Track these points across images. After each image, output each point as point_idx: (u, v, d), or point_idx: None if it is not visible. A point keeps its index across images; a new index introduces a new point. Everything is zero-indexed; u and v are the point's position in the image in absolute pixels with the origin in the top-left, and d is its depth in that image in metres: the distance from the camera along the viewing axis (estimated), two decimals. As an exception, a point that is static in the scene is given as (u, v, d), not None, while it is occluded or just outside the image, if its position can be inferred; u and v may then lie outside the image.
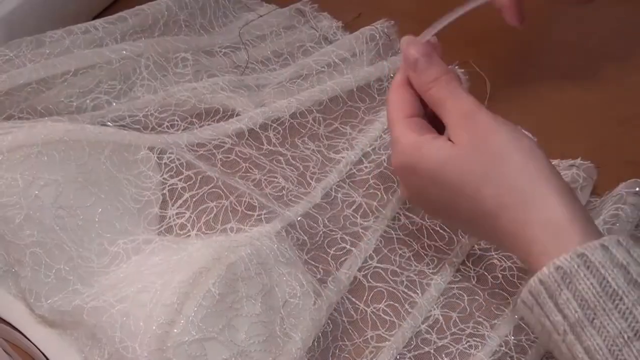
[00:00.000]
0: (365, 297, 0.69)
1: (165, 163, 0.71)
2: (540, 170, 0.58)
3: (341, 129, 0.80)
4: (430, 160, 0.61)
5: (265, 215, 0.69)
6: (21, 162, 0.65)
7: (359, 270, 0.70)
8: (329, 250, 0.71)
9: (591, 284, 0.52)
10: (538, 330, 0.55)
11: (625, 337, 0.50)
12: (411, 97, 0.66)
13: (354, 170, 0.77)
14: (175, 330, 0.59)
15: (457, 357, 0.66)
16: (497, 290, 0.70)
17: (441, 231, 0.73)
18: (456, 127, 0.61)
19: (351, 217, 0.73)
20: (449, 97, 0.62)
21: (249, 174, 0.74)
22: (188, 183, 0.70)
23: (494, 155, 0.59)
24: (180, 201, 0.70)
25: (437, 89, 0.63)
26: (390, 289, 0.70)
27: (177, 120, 0.77)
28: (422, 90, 0.65)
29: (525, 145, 0.59)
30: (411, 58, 0.65)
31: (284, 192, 0.74)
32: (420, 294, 0.69)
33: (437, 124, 0.65)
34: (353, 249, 0.71)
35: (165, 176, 0.70)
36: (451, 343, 0.67)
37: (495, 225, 0.58)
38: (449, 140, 0.61)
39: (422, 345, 0.67)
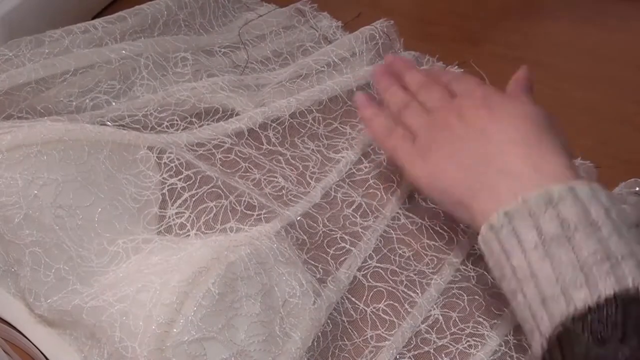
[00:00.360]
0: (364, 297, 0.69)
1: (164, 163, 0.71)
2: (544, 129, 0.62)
3: (341, 128, 0.80)
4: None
5: (265, 215, 0.69)
6: (20, 161, 0.65)
7: (359, 270, 0.70)
8: (328, 249, 0.71)
9: (576, 210, 0.54)
10: (493, 256, 0.57)
11: (598, 257, 0.52)
12: None
13: (354, 170, 0.77)
14: (175, 330, 0.59)
15: (457, 357, 0.66)
16: (496, 290, 0.69)
17: (441, 231, 0.73)
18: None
19: (351, 216, 0.73)
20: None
21: (248, 174, 0.74)
22: (187, 183, 0.70)
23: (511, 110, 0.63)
24: (179, 201, 0.70)
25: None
26: (389, 288, 0.70)
27: (176, 120, 0.77)
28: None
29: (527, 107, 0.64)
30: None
31: (283, 191, 0.74)
32: (420, 294, 0.69)
33: None
34: (353, 248, 0.71)
35: (164, 176, 0.70)
36: (451, 343, 0.67)
37: (500, 167, 0.60)
38: None
39: (421, 345, 0.67)
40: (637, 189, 0.73)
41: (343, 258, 0.71)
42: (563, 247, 0.53)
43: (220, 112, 0.79)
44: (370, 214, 0.74)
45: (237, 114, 0.78)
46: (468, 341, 0.67)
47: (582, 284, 0.52)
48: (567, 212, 0.54)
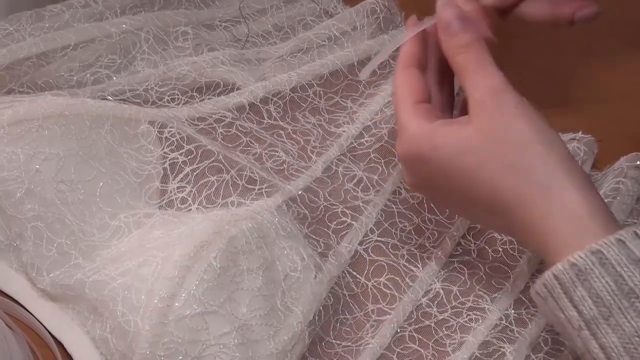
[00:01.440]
0: (366, 271, 0.69)
1: (165, 137, 0.71)
2: (562, 162, 0.56)
3: (342, 102, 0.80)
4: (445, 150, 0.59)
5: (266, 189, 0.69)
6: (22, 136, 0.65)
7: (360, 244, 0.70)
8: (329, 224, 0.71)
9: (606, 282, 0.51)
10: (553, 321, 0.55)
11: None
12: (420, 81, 0.63)
13: (355, 144, 0.77)
14: (177, 304, 0.59)
15: (458, 331, 0.67)
16: (497, 264, 0.70)
17: (442, 205, 0.73)
18: (480, 104, 0.58)
19: (352, 191, 0.73)
20: (478, 68, 0.59)
21: (249, 148, 0.74)
22: (189, 157, 0.70)
23: (516, 145, 0.57)
24: (181, 175, 0.70)
25: (465, 56, 0.60)
26: (390, 262, 0.70)
27: (177, 94, 0.77)
28: (450, 54, 0.61)
29: (548, 136, 0.57)
30: (446, 19, 0.62)
31: (284, 166, 0.74)
32: (420, 268, 0.70)
33: (445, 107, 0.64)
34: (354, 222, 0.71)
35: (165, 150, 0.70)
36: (452, 316, 0.67)
37: (514, 217, 0.57)
38: (466, 120, 0.59)
39: (422, 319, 0.67)
40: (638, 162, 0.73)
41: (344, 232, 0.71)
42: (604, 329, 0.51)
43: (221, 87, 0.78)
44: (371, 188, 0.74)
45: (238, 88, 0.78)
46: (469, 315, 0.67)
47: None
48: (597, 286, 0.51)
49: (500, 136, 0.57)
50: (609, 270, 0.51)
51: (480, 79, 0.59)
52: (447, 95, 0.67)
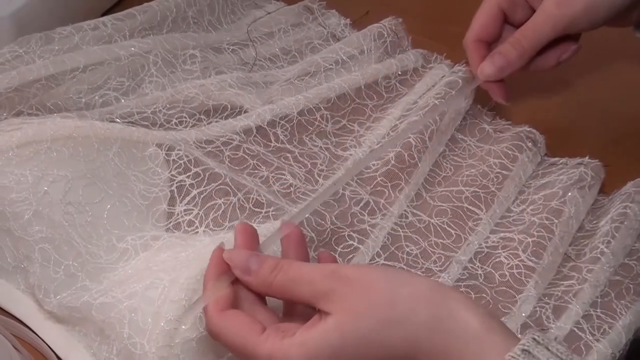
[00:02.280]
0: (372, 295, 0.69)
1: (173, 160, 0.71)
2: (440, 297, 0.53)
3: (349, 126, 0.80)
4: (322, 346, 0.52)
5: (273, 212, 0.69)
6: (30, 158, 0.66)
7: (367, 267, 0.70)
8: (336, 247, 0.71)
9: None
10: None
11: None
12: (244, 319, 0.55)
13: (362, 168, 0.77)
14: (184, 327, 0.59)
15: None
16: (504, 288, 0.70)
17: (448, 229, 0.73)
18: (327, 294, 0.53)
19: (359, 214, 0.73)
20: (302, 274, 0.55)
21: (256, 171, 0.75)
22: (196, 180, 0.70)
23: (378, 300, 0.53)
24: (188, 198, 0.70)
25: (282, 275, 0.55)
26: (397, 286, 0.70)
27: (185, 117, 0.77)
28: (266, 286, 0.56)
29: (404, 280, 0.54)
30: (241, 265, 0.56)
31: (291, 189, 0.74)
32: (427, 292, 0.69)
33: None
34: (360, 246, 0.71)
35: (173, 173, 0.71)
36: (458, 341, 0.67)
37: None
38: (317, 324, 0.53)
39: (429, 343, 0.67)
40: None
41: (351, 256, 0.71)
42: None
43: (229, 110, 0.79)
44: (378, 211, 0.74)
45: (245, 111, 0.79)
46: (475, 339, 0.67)
47: None
48: None
49: (362, 314, 0.53)
50: None
51: (309, 282, 0.54)
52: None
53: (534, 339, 0.51)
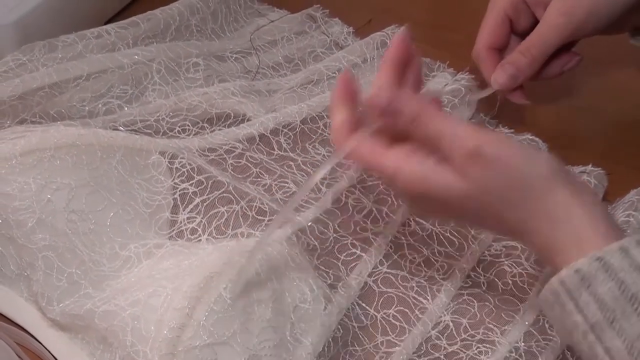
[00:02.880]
0: (375, 303, 0.69)
1: (176, 168, 0.71)
2: (562, 185, 0.56)
3: (352, 134, 0.80)
4: (441, 193, 0.58)
5: (276, 220, 0.69)
6: (34, 166, 0.66)
7: (369, 275, 0.70)
8: (339, 255, 0.71)
9: (609, 287, 0.52)
10: (559, 328, 0.56)
11: None
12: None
13: (365, 176, 0.77)
14: (186, 335, 0.59)
15: (467, 363, 0.66)
16: (507, 296, 0.70)
17: (451, 237, 0.73)
18: (464, 167, 0.57)
19: (361, 222, 0.73)
20: (443, 136, 0.57)
21: (259, 179, 0.75)
22: (199, 188, 0.70)
23: (512, 181, 0.57)
24: (191, 206, 0.70)
25: (421, 128, 0.58)
26: (400, 294, 0.70)
27: (188, 125, 0.78)
28: (412, 129, 0.59)
29: (542, 161, 0.57)
30: (383, 103, 0.59)
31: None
32: (430, 300, 0.70)
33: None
34: (363, 254, 0.71)
35: (176, 181, 0.71)
36: (461, 349, 0.67)
37: (523, 240, 0.60)
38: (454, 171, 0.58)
39: (432, 351, 0.67)
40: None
41: (354, 264, 0.71)
42: (608, 333, 0.52)
43: (232, 118, 0.79)
44: (380, 219, 0.74)
45: (248, 120, 0.79)
46: (478, 347, 0.67)
47: None
48: (602, 291, 0.53)
49: (495, 181, 0.57)
50: (612, 276, 0.53)
51: (453, 146, 0.57)
52: None
53: (638, 240, 0.54)
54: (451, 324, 0.68)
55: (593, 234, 0.55)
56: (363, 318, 0.68)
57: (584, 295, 0.53)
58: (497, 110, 0.80)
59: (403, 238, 0.73)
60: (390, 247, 0.72)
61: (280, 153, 0.77)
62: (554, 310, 0.55)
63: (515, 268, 0.71)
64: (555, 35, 0.71)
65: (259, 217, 0.69)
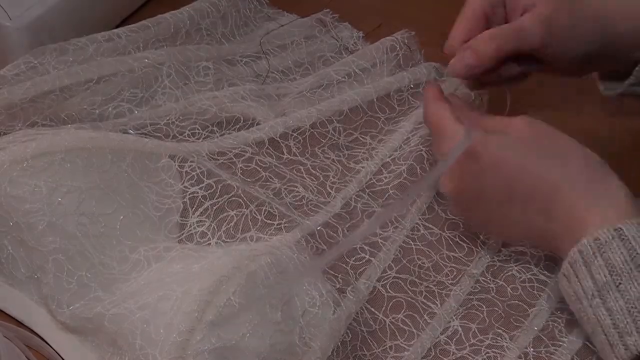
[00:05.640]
0: (384, 307, 0.69)
1: (186, 171, 0.71)
2: (600, 165, 0.64)
3: (361, 139, 0.80)
4: (494, 143, 0.65)
5: (285, 225, 0.69)
6: (45, 169, 0.66)
7: (378, 280, 0.71)
8: (348, 260, 0.71)
9: (622, 253, 0.58)
10: (572, 300, 0.61)
11: None
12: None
13: (374, 181, 0.77)
14: (196, 338, 0.59)
15: (476, 369, 0.67)
16: (516, 301, 0.70)
17: (460, 242, 0.73)
18: (522, 130, 0.66)
19: (370, 227, 0.73)
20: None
21: (269, 183, 0.75)
22: (209, 191, 0.71)
23: (560, 148, 0.65)
24: (200, 209, 0.70)
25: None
26: (409, 299, 0.70)
27: (198, 129, 0.78)
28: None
29: (580, 146, 0.65)
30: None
31: (303, 201, 0.74)
32: (439, 305, 0.70)
33: None
34: (372, 259, 0.71)
35: (186, 184, 0.71)
36: (470, 354, 0.67)
37: (555, 198, 0.63)
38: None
39: (440, 356, 0.67)
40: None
41: (362, 268, 0.71)
42: (613, 294, 0.57)
43: (242, 122, 0.79)
44: (389, 224, 0.74)
45: (258, 124, 0.79)
46: (487, 352, 0.67)
47: (632, 330, 0.56)
48: (614, 257, 0.58)
49: (544, 142, 0.65)
50: (626, 244, 0.58)
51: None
52: None
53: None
54: (460, 329, 0.68)
55: (624, 212, 0.61)
56: (372, 322, 0.68)
57: (598, 260, 0.58)
58: (506, 114, 0.80)
59: (412, 243, 0.73)
60: (400, 252, 0.72)
61: (290, 157, 0.77)
62: (570, 282, 0.60)
63: (525, 273, 0.71)
64: (527, 40, 0.70)
65: (268, 221, 0.69)
